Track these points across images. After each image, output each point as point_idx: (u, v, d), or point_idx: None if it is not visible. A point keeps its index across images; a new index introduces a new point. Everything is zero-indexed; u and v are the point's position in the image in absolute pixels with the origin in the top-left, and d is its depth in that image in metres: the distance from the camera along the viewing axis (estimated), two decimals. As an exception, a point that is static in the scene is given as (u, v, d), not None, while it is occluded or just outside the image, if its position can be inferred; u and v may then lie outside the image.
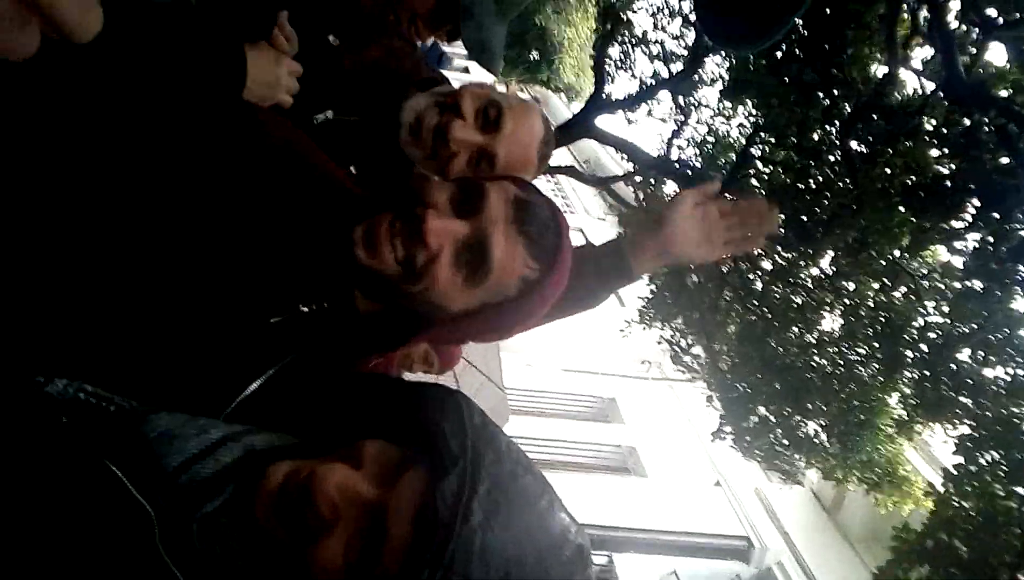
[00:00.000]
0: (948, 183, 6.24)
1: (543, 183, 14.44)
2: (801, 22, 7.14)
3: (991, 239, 5.87)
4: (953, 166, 6.32)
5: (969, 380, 6.06)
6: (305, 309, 1.11)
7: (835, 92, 7.12)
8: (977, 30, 6.11)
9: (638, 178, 10.05)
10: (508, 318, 1.13)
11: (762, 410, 8.12)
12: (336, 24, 1.56)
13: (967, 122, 6.14)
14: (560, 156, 11.12)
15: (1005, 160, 5.79)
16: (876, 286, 7.34)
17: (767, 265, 8.34)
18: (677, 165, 9.05)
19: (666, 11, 9.96)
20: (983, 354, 6.00)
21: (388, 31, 1.65)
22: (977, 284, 6.07)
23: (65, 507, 0.82)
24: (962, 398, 6.12)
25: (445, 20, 1.47)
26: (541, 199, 1.16)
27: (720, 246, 1.57)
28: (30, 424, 0.86)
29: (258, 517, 0.83)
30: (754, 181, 8.34)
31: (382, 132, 1.59)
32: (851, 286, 7.55)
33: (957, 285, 6.49)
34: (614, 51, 10.09)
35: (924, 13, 6.63)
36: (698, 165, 9.06)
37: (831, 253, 7.53)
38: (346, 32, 1.58)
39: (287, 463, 0.87)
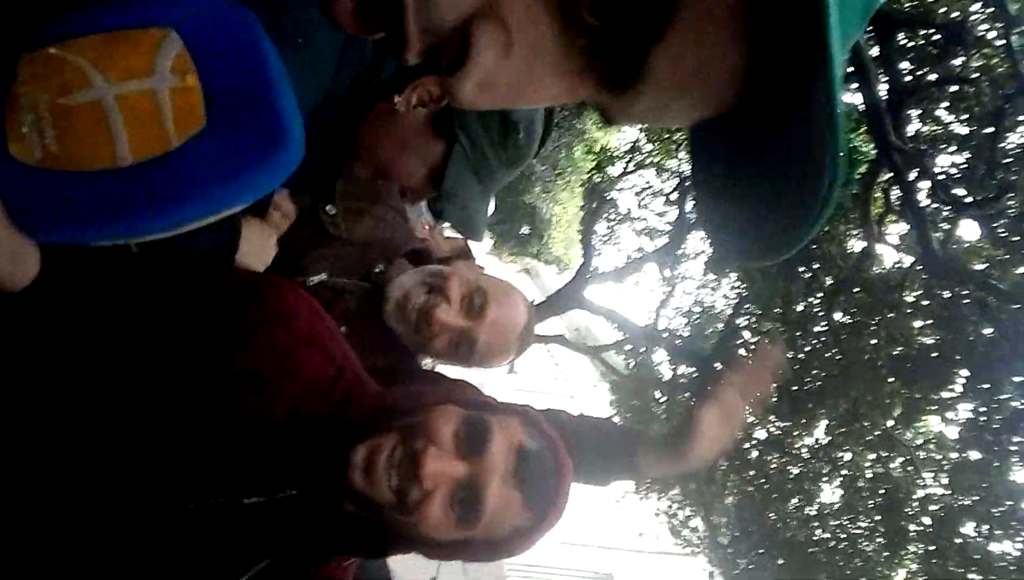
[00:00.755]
0: (935, 354, 6.36)
1: (538, 350, 14.57)
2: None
3: (983, 409, 5.91)
4: (938, 337, 6.45)
5: (976, 555, 5.90)
6: (289, 492, 1.09)
7: (815, 266, 7.38)
8: (948, 208, 6.42)
9: (628, 347, 10.17)
10: (493, 553, 1.14)
11: (766, 587, 7.83)
12: (332, 193, 1.64)
13: (947, 294, 6.32)
14: (552, 325, 11.30)
15: (989, 331, 5.93)
16: (872, 457, 7.29)
17: (761, 434, 8.29)
18: (665, 334, 9.19)
19: (649, 191, 10.49)
20: (988, 528, 5.87)
21: (380, 200, 1.73)
22: (974, 454, 6.05)
23: None
24: (971, 575, 5.93)
25: (431, 193, 1.53)
26: (546, 444, 1.15)
27: (738, 426, 1.54)
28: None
29: None
30: (741, 351, 8.45)
31: (372, 301, 1.65)
32: (847, 457, 7.50)
33: (954, 455, 6.46)
34: (600, 226, 10.51)
35: (896, 192, 6.99)
36: (686, 334, 9.20)
37: (825, 423, 7.52)
38: (346, 199, 1.64)
39: None
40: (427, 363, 1.85)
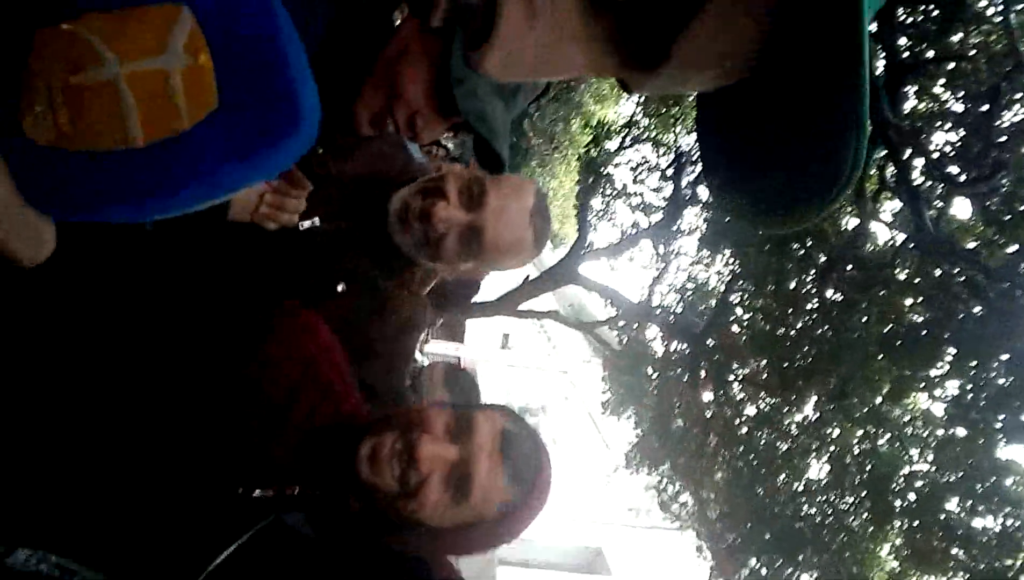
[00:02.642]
0: (924, 331, 6.37)
1: (531, 326, 14.58)
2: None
3: (970, 387, 5.94)
4: (928, 315, 6.47)
5: (959, 531, 5.96)
6: (296, 491, 1.22)
7: (809, 242, 7.38)
8: (942, 185, 6.41)
9: (621, 323, 10.19)
10: (486, 538, 1.25)
11: (753, 561, 7.90)
12: (323, 133, 1.54)
13: (938, 272, 6.33)
14: (545, 301, 11.31)
15: (978, 309, 5.95)
16: (860, 433, 7.34)
17: (751, 410, 8.34)
18: (659, 311, 9.21)
19: (646, 166, 10.45)
20: (971, 504, 5.93)
21: (376, 134, 1.67)
22: (960, 431, 6.09)
23: None
24: (954, 550, 6.00)
25: (446, 108, 1.40)
26: (527, 434, 1.28)
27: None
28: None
29: None
30: (735, 327, 8.48)
31: (372, 237, 1.60)
32: (835, 433, 7.54)
33: (940, 432, 6.51)
34: (596, 202, 10.48)
35: (891, 169, 6.97)
36: (679, 311, 9.22)
37: (814, 399, 7.56)
38: (333, 139, 1.55)
39: None
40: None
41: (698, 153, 0.65)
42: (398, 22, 1.34)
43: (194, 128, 0.56)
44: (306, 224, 1.57)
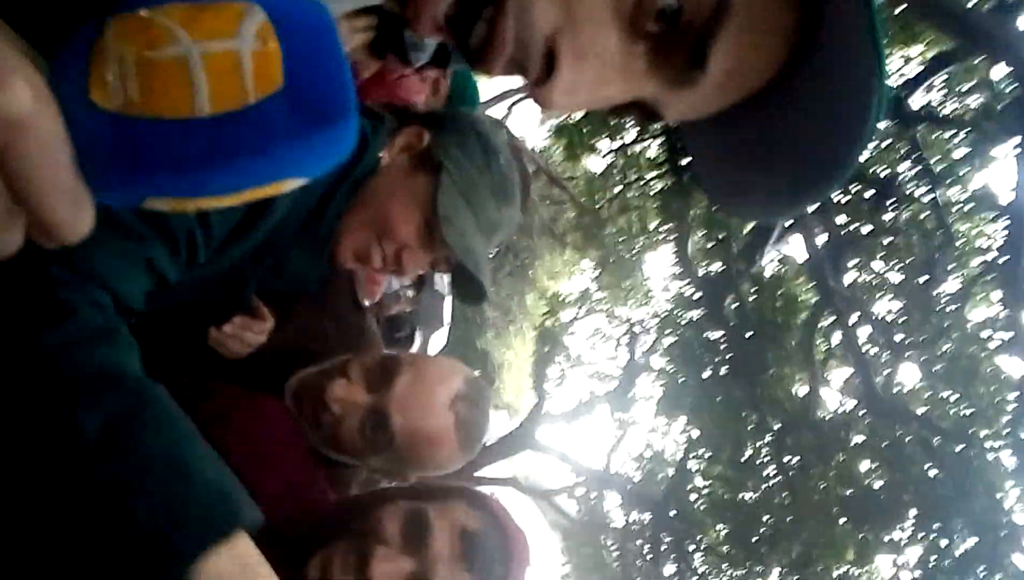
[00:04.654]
0: (883, 495, 6.39)
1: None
2: (725, 345, 7.73)
3: (934, 553, 5.90)
4: (886, 478, 6.51)
5: None
6: None
7: (762, 409, 7.49)
8: (888, 351, 6.67)
9: (580, 491, 10.00)
10: None
11: None
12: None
13: (893, 435, 6.45)
14: (502, 468, 11.09)
15: (934, 472, 6.02)
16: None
17: (715, 584, 8.09)
18: (617, 478, 9.10)
19: (600, 336, 10.68)
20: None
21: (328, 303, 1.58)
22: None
23: None
24: None
25: (430, 244, 1.37)
26: (492, 522, 1.19)
27: None
28: None
29: None
30: (692, 495, 8.38)
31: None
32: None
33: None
34: (552, 370, 10.57)
35: (838, 336, 7.25)
36: (638, 479, 9.12)
37: (778, 570, 7.38)
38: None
39: None
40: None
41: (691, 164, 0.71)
42: (383, 159, 1.37)
43: (258, 103, 0.60)
44: None
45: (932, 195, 6.01)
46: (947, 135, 6.54)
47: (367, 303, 1.95)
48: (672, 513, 8.28)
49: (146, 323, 1.02)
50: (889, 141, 6.40)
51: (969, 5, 5.07)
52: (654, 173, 9.56)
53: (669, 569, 8.45)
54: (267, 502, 1.19)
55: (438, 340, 5.13)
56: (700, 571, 8.28)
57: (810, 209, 7.47)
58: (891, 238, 6.62)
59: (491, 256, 1.52)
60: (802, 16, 0.53)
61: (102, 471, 0.83)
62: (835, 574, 6.75)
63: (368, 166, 1.28)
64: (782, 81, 0.57)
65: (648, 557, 8.58)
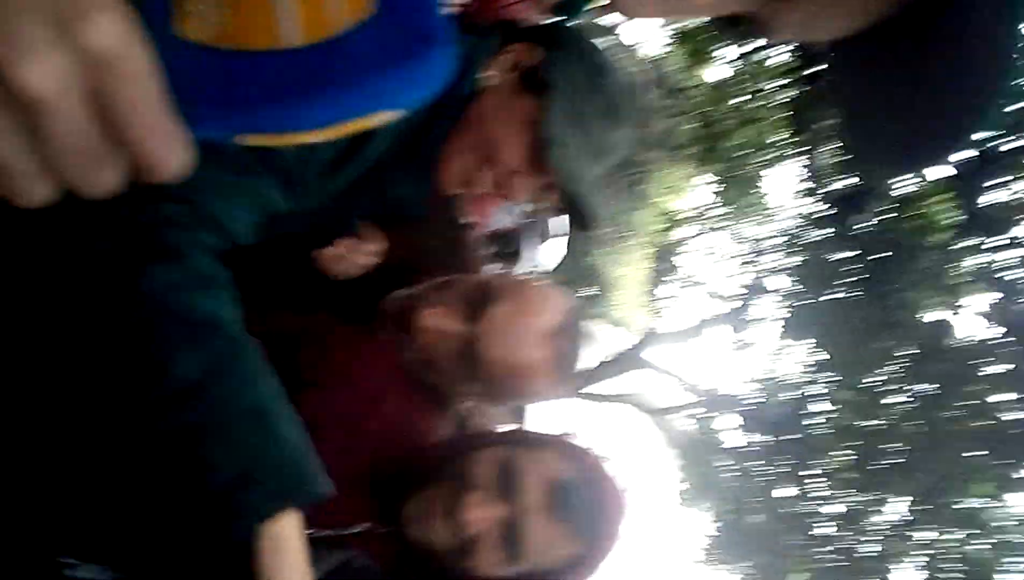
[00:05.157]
0: (1021, 429, 6.07)
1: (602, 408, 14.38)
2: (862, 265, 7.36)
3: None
4: (1026, 410, 6.18)
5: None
6: (362, 527, 1.16)
7: (898, 333, 7.16)
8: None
9: (696, 411, 9.96)
10: None
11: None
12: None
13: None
14: (615, 385, 11.17)
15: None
16: (954, 536, 6.93)
17: (837, 508, 7.98)
18: (737, 400, 9.00)
19: (718, 253, 10.41)
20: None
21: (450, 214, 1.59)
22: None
23: None
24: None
25: (539, 168, 1.30)
26: (585, 477, 1.17)
27: None
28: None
29: None
30: (817, 419, 8.21)
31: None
32: (927, 535, 7.13)
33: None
34: (666, 289, 10.44)
35: (975, 260, 6.81)
36: (760, 401, 8.99)
37: (905, 499, 7.20)
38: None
39: None
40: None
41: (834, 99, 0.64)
42: (489, 79, 1.30)
43: (350, 32, 0.58)
44: None
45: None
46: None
47: (471, 220, 1.94)
48: (795, 437, 8.15)
49: (251, 253, 1.02)
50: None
51: None
52: (782, 82, 8.99)
53: (786, 492, 8.38)
54: (369, 439, 1.24)
55: (548, 254, 5.00)
56: (818, 495, 8.17)
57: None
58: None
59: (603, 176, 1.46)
60: None
61: (190, 414, 0.85)
62: (966, 506, 6.52)
63: (472, 87, 1.22)
64: (919, 21, 0.51)
65: (766, 480, 8.53)
